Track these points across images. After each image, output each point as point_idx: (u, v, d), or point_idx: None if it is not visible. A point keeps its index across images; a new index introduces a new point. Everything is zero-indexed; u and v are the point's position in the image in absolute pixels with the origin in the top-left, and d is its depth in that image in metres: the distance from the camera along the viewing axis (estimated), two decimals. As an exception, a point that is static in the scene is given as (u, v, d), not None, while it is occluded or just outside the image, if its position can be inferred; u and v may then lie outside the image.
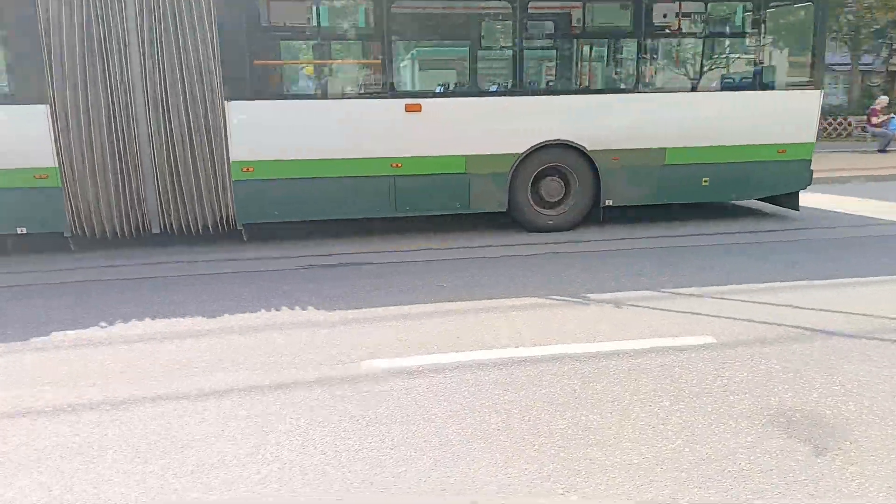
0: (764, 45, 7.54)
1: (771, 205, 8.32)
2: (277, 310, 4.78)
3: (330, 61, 7.22)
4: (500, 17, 7.22)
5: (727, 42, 7.94)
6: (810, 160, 7.64)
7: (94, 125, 6.15)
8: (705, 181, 7.49)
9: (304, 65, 6.97)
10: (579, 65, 7.62)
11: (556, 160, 7.23)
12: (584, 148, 7.17)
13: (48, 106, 6.07)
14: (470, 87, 7.16)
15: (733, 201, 8.38)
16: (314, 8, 6.72)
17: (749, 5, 7.55)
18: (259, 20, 6.56)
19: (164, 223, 6.54)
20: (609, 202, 7.37)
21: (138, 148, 6.30)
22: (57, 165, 6.17)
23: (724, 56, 7.98)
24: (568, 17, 7.54)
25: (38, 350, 4.07)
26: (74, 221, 6.39)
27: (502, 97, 7.10)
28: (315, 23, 6.80)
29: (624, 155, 7.25)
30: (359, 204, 6.87)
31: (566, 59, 7.93)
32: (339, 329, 4.30)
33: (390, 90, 6.74)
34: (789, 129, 7.51)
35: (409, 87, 7.45)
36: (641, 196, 7.45)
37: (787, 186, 7.74)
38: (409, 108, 6.79)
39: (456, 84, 7.65)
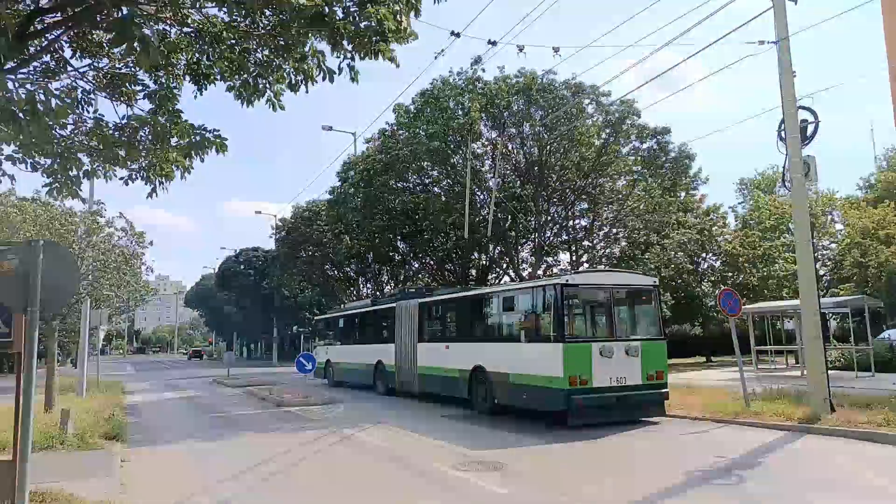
0: (532, 318, 13.31)
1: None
2: None
3: (434, 329, 17.60)
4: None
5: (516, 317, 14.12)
6: (562, 389, 11.75)
7: (406, 348, 18.09)
8: (524, 396, 12.92)
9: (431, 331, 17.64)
10: (475, 329, 15.51)
11: (483, 375, 14.34)
12: (485, 369, 14.23)
13: (394, 345, 18.90)
14: (453, 338, 16.29)
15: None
16: (429, 318, 17.63)
17: (528, 297, 13.65)
18: (424, 319, 17.41)
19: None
20: (496, 401, 13.90)
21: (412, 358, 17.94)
22: (394, 362, 19.14)
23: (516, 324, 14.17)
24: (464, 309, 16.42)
25: None
26: (398, 385, 18.71)
27: (459, 343, 15.80)
28: (429, 319, 17.54)
29: (496, 375, 13.83)
30: (444, 387, 16.14)
31: (474, 328, 15.65)
32: None
33: (448, 340, 16.51)
34: (551, 367, 12.01)
35: (445, 338, 16.76)
36: (506, 400, 13.57)
37: (557, 406, 11.97)
38: (445, 348, 16.13)
39: (452, 337, 16.47)
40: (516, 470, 8.85)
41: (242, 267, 58.50)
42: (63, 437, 10.91)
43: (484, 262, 28.32)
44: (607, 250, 26.67)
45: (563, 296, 12.18)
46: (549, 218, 24.41)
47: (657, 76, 15.57)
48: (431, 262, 29.53)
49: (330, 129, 34.35)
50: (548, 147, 22.27)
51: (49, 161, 6.33)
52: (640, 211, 23.72)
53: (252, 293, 55.96)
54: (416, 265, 31.72)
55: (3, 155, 6.10)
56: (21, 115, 4.53)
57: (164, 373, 44.53)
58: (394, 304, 19.60)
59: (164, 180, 6.67)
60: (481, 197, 23.94)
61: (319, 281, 38.28)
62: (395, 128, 24.61)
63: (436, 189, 25.18)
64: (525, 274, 24.70)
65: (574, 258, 26.11)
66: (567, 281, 12.28)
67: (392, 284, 36.65)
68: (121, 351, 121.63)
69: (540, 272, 25.60)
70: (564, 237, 25.54)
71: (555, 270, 27.01)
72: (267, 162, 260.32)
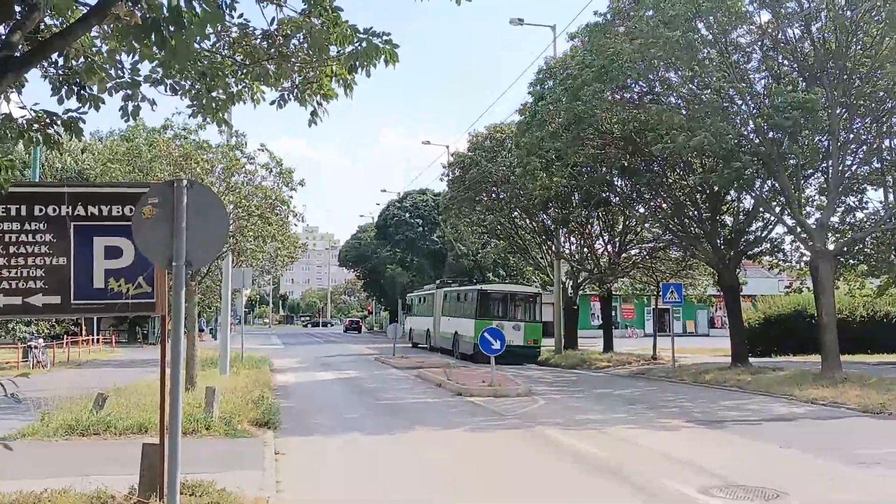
0: (466, 306, 36.76)
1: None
2: None
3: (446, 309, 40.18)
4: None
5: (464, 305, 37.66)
6: (474, 343, 30.87)
7: (436, 321, 41.72)
8: (464, 347, 34.75)
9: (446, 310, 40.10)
10: (455, 310, 38.20)
11: (458, 336, 36.62)
12: (458, 333, 36.31)
13: (433, 318, 41.75)
14: (450, 314, 39.04)
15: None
16: (445, 301, 40.52)
17: (468, 294, 36.79)
18: (443, 303, 40.89)
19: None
20: (460, 351, 35.37)
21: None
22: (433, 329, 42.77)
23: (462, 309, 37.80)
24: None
25: None
26: (434, 343, 42.63)
27: (451, 318, 38.49)
28: (445, 302, 40.68)
29: (460, 336, 36.02)
30: (445, 344, 38.85)
31: (455, 309, 38.13)
32: None
33: (448, 315, 39.28)
34: (471, 332, 33.58)
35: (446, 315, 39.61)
36: (463, 350, 34.92)
37: (471, 351, 32.25)
38: (447, 320, 38.93)
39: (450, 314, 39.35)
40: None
41: (408, 215, 61.54)
42: (209, 421, 12.51)
43: (745, 205, 26.84)
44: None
45: (480, 296, 33.93)
46: (852, 136, 22.37)
47: None
48: (664, 206, 28.66)
49: (520, 22, 34.43)
50: (850, 29, 20.25)
51: (190, 83, 7.12)
52: None
53: (419, 248, 58.83)
54: (642, 209, 30.97)
55: (140, 76, 6.96)
56: (164, 26, 5.13)
57: (316, 347, 49.05)
58: (434, 291, 42.70)
59: (322, 101, 7.17)
60: (744, 108, 22.55)
61: (506, 232, 39.06)
62: (612, 16, 23.89)
63: (672, 99, 24.19)
64: (811, 221, 23.03)
65: (893, 197, 23.60)
66: (482, 288, 34.90)
67: (605, 238, 36.31)
68: (265, 320, 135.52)
69: (835, 218, 23.65)
70: (875, 164, 23.23)
71: (857, 216, 24.79)
72: (435, 83, 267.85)
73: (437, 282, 45.23)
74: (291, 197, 19.78)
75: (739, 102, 22.64)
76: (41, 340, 30.68)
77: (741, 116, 22.76)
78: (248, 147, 19.12)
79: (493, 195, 36.30)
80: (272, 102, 7.54)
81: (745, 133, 22.69)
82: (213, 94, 7.12)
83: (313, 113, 7.38)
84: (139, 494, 7.69)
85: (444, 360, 32.03)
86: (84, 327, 44.06)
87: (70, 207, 7.67)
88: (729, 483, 9.37)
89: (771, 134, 21.90)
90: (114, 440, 11.71)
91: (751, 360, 26.14)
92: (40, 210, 7.60)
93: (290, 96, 7.45)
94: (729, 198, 27.42)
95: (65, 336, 37.03)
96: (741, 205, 27.50)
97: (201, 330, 48.92)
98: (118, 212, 7.72)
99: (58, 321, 38.60)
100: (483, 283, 37.81)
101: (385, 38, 6.80)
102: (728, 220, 28.10)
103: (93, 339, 42.71)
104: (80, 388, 15.36)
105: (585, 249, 36.35)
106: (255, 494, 8.32)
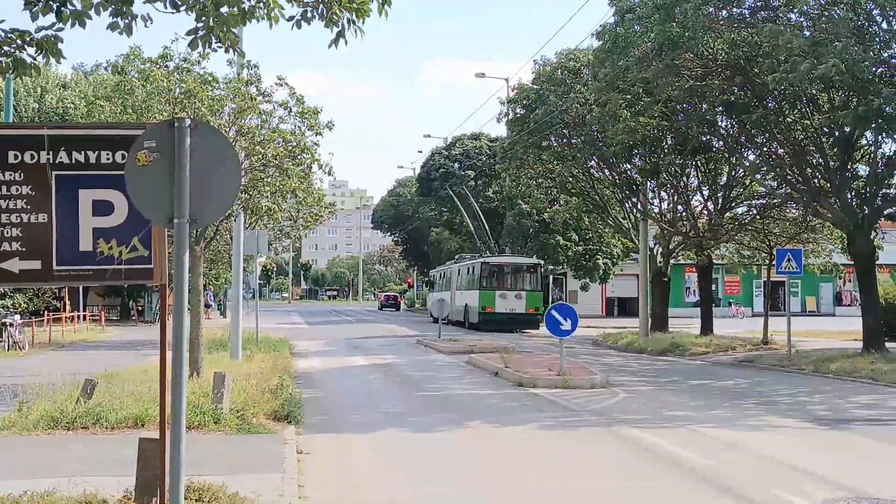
0: (471, 278, 52.52)
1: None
2: None
3: (459, 282, 55.66)
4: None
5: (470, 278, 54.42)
6: (479, 312, 48.10)
7: (452, 294, 55.11)
8: (471, 316, 49.67)
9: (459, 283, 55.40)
10: (465, 283, 53.18)
11: (467, 307, 51.63)
12: (468, 304, 50.76)
13: (450, 292, 55.49)
14: (462, 288, 54.83)
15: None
16: (459, 276, 55.60)
17: (473, 267, 52.11)
18: (457, 277, 55.68)
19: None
20: (469, 321, 49.79)
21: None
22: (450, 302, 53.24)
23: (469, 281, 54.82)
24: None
25: None
26: (451, 316, 52.07)
27: (463, 291, 53.55)
28: (458, 277, 55.46)
29: (469, 307, 50.67)
30: (458, 316, 51.93)
31: (465, 282, 53.32)
32: None
33: (461, 289, 54.49)
34: (475, 302, 49.19)
35: (459, 289, 55.13)
36: (471, 320, 49.56)
37: (477, 319, 48.45)
38: (460, 294, 53.53)
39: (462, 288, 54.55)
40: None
41: (457, 165, 61.52)
42: (218, 414, 12.74)
43: (885, 151, 26.21)
44: None
45: (482, 268, 48.15)
46: None
47: None
48: (780, 152, 28.13)
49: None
50: None
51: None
52: None
53: (471, 206, 58.79)
54: (752, 156, 30.43)
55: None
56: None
57: (346, 328, 49.95)
58: (451, 266, 56.83)
59: (354, 18, 7.09)
60: (885, 28, 21.93)
61: (580, 186, 38.77)
62: None
63: (793, 16, 23.60)
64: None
65: None
66: (484, 260, 48.87)
67: (705, 193, 35.77)
68: (284, 295, 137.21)
69: None
70: None
71: None
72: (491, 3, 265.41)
73: (456, 256, 58.88)
74: (316, 143, 19.70)
75: (880, 20, 22.12)
76: (18, 317, 31.02)
77: (881, 38, 22.32)
78: (262, 82, 19.06)
79: (565, 140, 35.99)
80: (290, 19, 7.49)
81: (887, 59, 22.20)
82: (222, 9, 7.09)
83: (339, 33, 7.33)
84: (135, 499, 7.77)
85: (501, 341, 32.26)
86: (68, 301, 44.78)
87: (51, 153, 7.57)
88: (858, 495, 9.33)
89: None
90: (105, 435, 11.94)
91: (888, 345, 25.73)
92: (16, 157, 7.51)
93: (314, 13, 7.40)
94: (864, 142, 26.96)
95: (45, 311, 37.56)
96: (879, 150, 26.86)
97: (208, 305, 49.64)
98: (108, 158, 7.61)
99: (36, 293, 39.08)
100: (488, 256, 50.70)
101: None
102: (862, 169, 27.63)
103: (78, 316, 43.27)
104: (65, 373, 15.60)
105: (679, 207, 35.96)
106: (273, 501, 8.46)
